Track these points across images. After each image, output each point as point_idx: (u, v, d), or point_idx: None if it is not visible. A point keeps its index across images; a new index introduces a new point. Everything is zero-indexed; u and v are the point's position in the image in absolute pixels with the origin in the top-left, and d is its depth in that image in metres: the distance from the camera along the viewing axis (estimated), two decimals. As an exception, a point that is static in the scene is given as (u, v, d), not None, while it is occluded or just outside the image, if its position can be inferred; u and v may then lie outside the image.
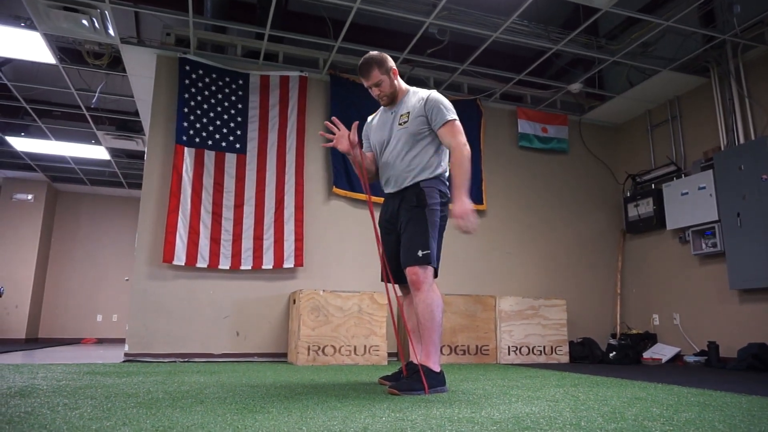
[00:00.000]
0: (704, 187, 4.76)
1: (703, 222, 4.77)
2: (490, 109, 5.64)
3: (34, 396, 1.92)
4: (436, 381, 2.25)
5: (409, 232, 2.37)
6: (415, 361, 2.36)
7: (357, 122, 2.53)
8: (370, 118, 2.74)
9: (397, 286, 2.55)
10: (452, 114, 2.43)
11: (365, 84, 2.53)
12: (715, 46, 4.64)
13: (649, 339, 5.26)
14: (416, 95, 2.51)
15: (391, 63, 2.52)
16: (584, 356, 4.74)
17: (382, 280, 2.52)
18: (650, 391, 2.37)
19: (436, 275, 2.39)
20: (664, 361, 4.80)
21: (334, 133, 2.55)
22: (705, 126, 5.08)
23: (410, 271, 2.33)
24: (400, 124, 2.48)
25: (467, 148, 2.38)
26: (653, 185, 5.48)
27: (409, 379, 2.24)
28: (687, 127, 5.31)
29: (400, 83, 2.57)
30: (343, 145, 2.52)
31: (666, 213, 5.15)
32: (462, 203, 2.30)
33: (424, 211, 2.36)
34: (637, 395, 2.18)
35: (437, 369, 2.28)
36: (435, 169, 2.46)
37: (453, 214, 2.30)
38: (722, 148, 4.78)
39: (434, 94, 2.48)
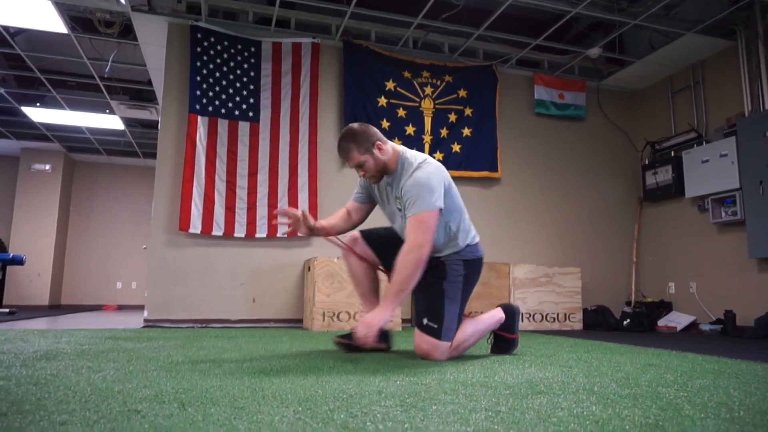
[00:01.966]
0: (726, 155, 4.65)
1: (723, 190, 4.68)
2: (506, 75, 5.52)
3: (59, 359, 1.98)
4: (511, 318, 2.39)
5: (423, 294, 2.20)
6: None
7: (302, 211, 2.27)
8: None
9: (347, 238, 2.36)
10: (425, 204, 2.04)
11: (348, 166, 2.26)
12: (742, 7, 4.46)
13: (665, 307, 5.24)
14: (405, 173, 2.15)
15: (375, 135, 2.18)
16: (598, 323, 4.75)
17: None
18: (664, 358, 2.37)
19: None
20: (679, 329, 4.79)
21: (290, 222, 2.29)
22: (728, 92, 4.93)
23: (417, 337, 2.13)
24: (398, 209, 2.21)
25: (421, 252, 2.01)
26: (673, 152, 5.37)
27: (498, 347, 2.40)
28: (710, 92, 5.16)
29: (389, 151, 2.20)
30: (303, 230, 2.27)
31: (685, 181, 5.06)
32: (377, 315, 2.03)
33: (443, 283, 2.16)
34: (650, 362, 2.18)
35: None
36: (453, 247, 2.22)
37: (361, 320, 2.05)
38: (746, 115, 4.64)
39: (415, 177, 2.09)
